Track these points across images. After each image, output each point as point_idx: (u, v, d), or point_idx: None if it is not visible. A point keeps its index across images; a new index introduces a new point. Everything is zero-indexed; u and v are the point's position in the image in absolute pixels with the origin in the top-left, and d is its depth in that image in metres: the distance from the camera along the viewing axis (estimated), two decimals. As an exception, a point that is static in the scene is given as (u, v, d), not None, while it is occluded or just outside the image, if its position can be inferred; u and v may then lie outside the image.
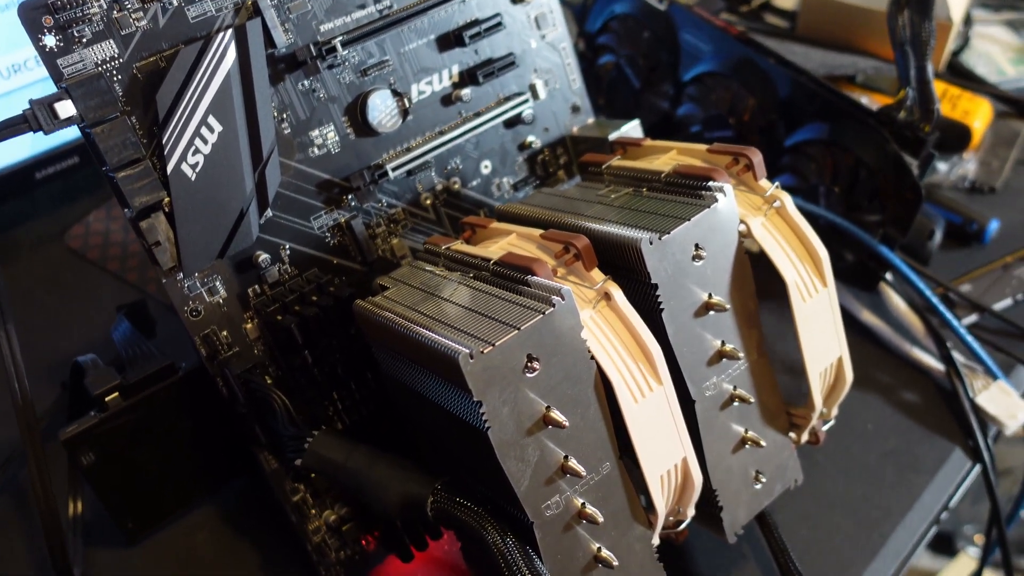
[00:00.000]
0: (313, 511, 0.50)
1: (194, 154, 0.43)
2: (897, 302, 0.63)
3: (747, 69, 0.64)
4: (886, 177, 0.58)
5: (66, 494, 0.54)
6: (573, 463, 0.37)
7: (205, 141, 0.43)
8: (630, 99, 0.73)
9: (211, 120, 0.43)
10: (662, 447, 0.40)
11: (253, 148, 0.45)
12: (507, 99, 0.54)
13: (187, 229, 0.44)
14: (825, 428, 0.47)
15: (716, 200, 0.40)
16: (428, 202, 0.52)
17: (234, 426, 0.48)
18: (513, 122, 0.54)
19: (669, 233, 0.39)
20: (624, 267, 0.40)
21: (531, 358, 0.36)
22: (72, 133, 0.72)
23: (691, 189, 0.42)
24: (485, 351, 0.35)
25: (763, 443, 0.43)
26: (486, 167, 0.54)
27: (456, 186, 0.53)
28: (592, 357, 0.38)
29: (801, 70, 0.62)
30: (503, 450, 0.36)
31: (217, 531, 0.56)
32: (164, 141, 0.43)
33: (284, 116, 0.47)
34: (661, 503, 0.40)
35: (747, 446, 0.44)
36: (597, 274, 0.40)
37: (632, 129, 0.54)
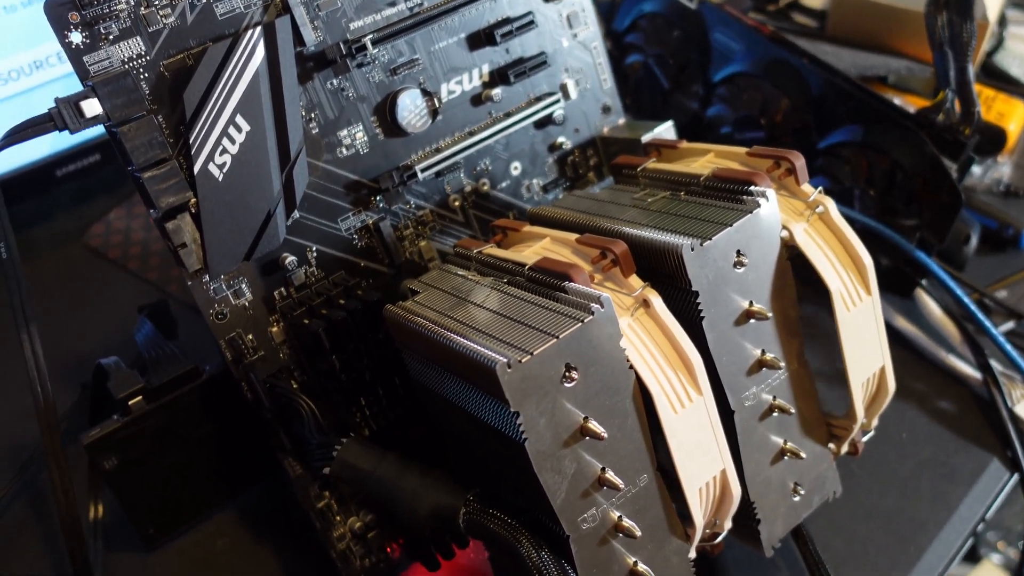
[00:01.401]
0: (338, 518, 0.49)
1: (221, 154, 0.42)
2: (933, 308, 0.61)
3: (780, 69, 0.63)
4: (923, 181, 0.57)
5: (86, 498, 0.53)
6: (611, 475, 0.36)
7: (233, 141, 0.42)
8: (658, 99, 0.72)
9: (239, 119, 0.42)
10: (701, 459, 0.39)
11: (281, 148, 0.44)
12: (538, 99, 0.52)
13: (214, 230, 0.43)
14: (865, 439, 0.46)
15: (758, 205, 0.39)
16: (457, 204, 0.51)
17: (257, 431, 0.47)
18: (544, 123, 0.53)
19: (711, 239, 0.38)
20: (662, 273, 0.39)
21: (569, 368, 0.35)
22: (94, 131, 0.71)
23: (731, 194, 0.41)
24: (523, 360, 0.33)
25: (803, 454, 0.42)
26: (516, 168, 0.53)
27: (485, 187, 0.52)
28: (631, 366, 0.36)
29: (836, 71, 0.61)
30: (540, 462, 0.35)
31: (236, 537, 0.55)
32: (191, 141, 0.42)
33: (312, 116, 0.46)
34: (699, 516, 0.39)
35: (786, 458, 0.43)
36: (635, 280, 0.38)
37: (665, 131, 0.53)
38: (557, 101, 0.53)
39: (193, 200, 0.42)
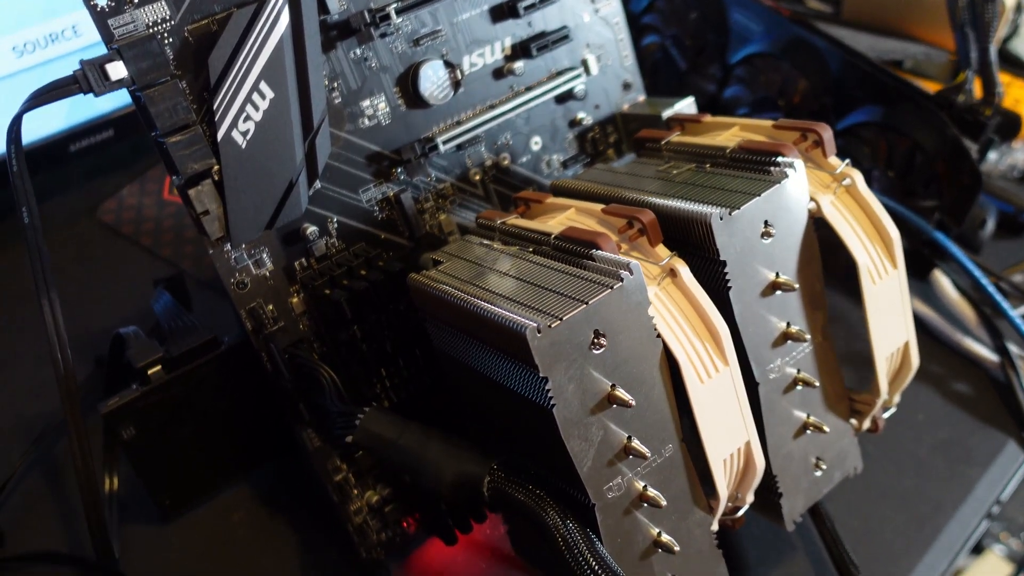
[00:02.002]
0: (355, 491, 0.49)
1: (245, 121, 0.42)
2: (949, 290, 0.61)
3: (799, 50, 0.62)
4: (944, 162, 0.57)
5: (102, 469, 0.53)
6: (637, 444, 0.36)
7: (256, 108, 0.42)
8: (675, 81, 0.72)
9: (263, 86, 0.42)
10: (726, 430, 0.38)
11: (304, 117, 0.44)
12: (559, 74, 0.52)
13: (236, 198, 0.43)
14: (886, 416, 0.46)
15: (786, 176, 0.39)
16: (477, 177, 0.51)
17: (276, 403, 0.47)
18: (564, 98, 0.53)
19: (739, 208, 0.38)
20: (689, 243, 0.39)
21: (598, 334, 0.35)
22: (107, 105, 0.71)
23: (758, 165, 0.40)
24: (553, 325, 0.33)
25: (826, 428, 0.42)
26: (536, 143, 0.53)
27: (506, 162, 0.52)
28: (658, 335, 0.36)
29: (856, 52, 0.61)
30: (567, 429, 0.35)
31: (253, 511, 0.55)
32: (215, 107, 0.41)
33: (335, 85, 0.46)
34: (723, 488, 0.39)
35: (809, 431, 0.42)
36: (662, 250, 0.38)
37: (686, 107, 0.53)
38: (578, 76, 0.52)
39: (216, 167, 0.42)
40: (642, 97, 0.56)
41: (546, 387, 0.34)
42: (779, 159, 0.40)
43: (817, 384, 0.41)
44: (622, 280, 0.35)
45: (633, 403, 0.35)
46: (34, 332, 0.45)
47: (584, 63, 0.53)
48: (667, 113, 0.52)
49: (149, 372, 0.47)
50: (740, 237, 0.38)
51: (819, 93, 0.62)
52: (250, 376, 0.49)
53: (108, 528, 0.49)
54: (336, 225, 0.47)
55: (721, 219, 0.37)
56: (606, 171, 0.46)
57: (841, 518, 0.51)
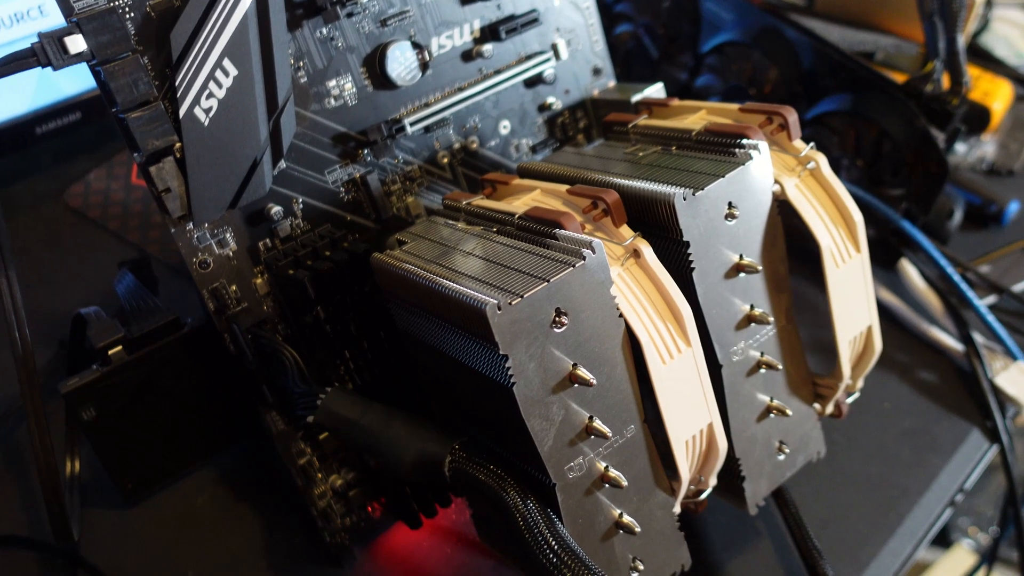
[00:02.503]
0: (319, 475, 0.49)
1: (208, 98, 0.41)
2: (916, 280, 0.61)
3: (771, 39, 0.62)
4: (911, 150, 0.57)
5: (63, 451, 0.53)
6: (598, 424, 0.36)
7: (220, 85, 0.42)
8: (647, 70, 0.72)
9: (226, 63, 0.42)
10: (689, 411, 0.38)
11: (269, 95, 0.43)
12: (528, 58, 0.52)
13: (199, 176, 0.42)
14: (849, 400, 0.46)
15: (750, 158, 0.39)
16: (445, 160, 0.51)
17: (240, 385, 0.46)
18: (533, 81, 0.53)
19: (703, 189, 0.38)
20: (653, 224, 0.39)
21: (560, 312, 0.34)
22: (74, 87, 0.70)
23: (724, 147, 0.40)
24: (513, 303, 0.33)
25: (789, 412, 0.42)
26: (505, 127, 0.53)
27: (474, 145, 0.52)
28: (620, 315, 0.36)
29: (826, 42, 0.61)
30: (527, 408, 0.35)
31: (217, 494, 0.54)
32: (177, 83, 0.41)
33: (301, 64, 0.45)
34: (685, 469, 0.39)
35: (772, 415, 0.43)
36: (626, 230, 0.38)
37: (655, 92, 0.53)
38: (548, 60, 0.52)
39: (178, 144, 0.41)
40: (612, 83, 0.56)
41: (506, 365, 0.34)
42: (744, 141, 0.40)
43: (780, 367, 0.41)
44: (584, 259, 0.35)
45: (594, 382, 0.35)
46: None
47: (554, 47, 0.53)
48: (636, 98, 0.52)
49: (110, 352, 0.46)
50: (704, 218, 0.38)
51: (790, 82, 0.62)
52: (213, 358, 0.48)
53: (68, 511, 0.48)
54: (301, 206, 0.46)
55: (684, 199, 0.37)
56: (574, 154, 0.46)
57: (806, 504, 0.51)
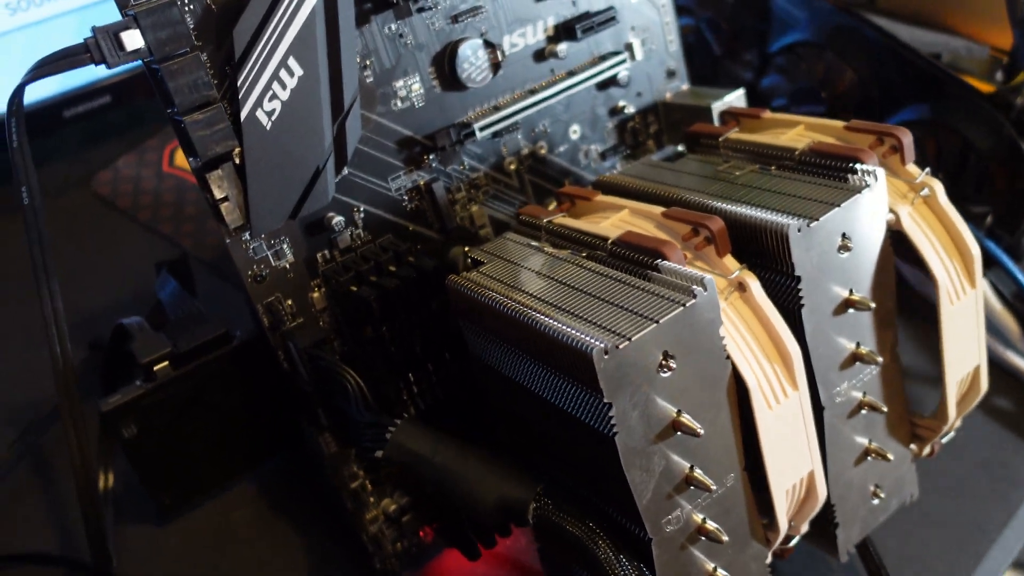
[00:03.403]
0: (372, 499, 0.46)
1: (271, 100, 0.38)
2: (993, 301, 0.58)
3: (847, 39, 0.59)
4: (999, 164, 0.54)
5: (96, 466, 0.50)
6: (700, 474, 0.33)
7: (284, 86, 0.38)
8: (707, 67, 0.68)
9: (291, 62, 0.38)
10: (792, 459, 0.36)
11: (334, 97, 0.40)
12: (602, 58, 0.49)
13: (259, 184, 0.39)
14: (944, 441, 0.43)
15: (867, 185, 0.36)
16: (512, 167, 0.47)
17: (285, 401, 0.43)
18: (606, 84, 0.49)
19: (818, 220, 0.34)
20: (755, 254, 0.36)
21: (667, 356, 0.31)
22: (104, 71, 0.66)
23: (834, 171, 0.37)
24: (621, 346, 0.30)
25: (890, 456, 0.39)
26: (575, 132, 0.49)
27: (543, 151, 0.48)
28: (727, 356, 0.33)
29: (908, 45, 0.57)
30: (628, 459, 0.32)
31: (257, 510, 0.52)
32: (239, 83, 0.37)
33: (368, 63, 0.42)
34: (784, 520, 0.36)
35: (870, 458, 0.40)
36: (731, 262, 0.35)
37: (736, 100, 0.49)
38: (623, 61, 0.49)
39: (238, 149, 0.38)
40: (685, 86, 0.53)
41: (609, 413, 0.31)
42: (858, 166, 0.36)
43: (884, 409, 0.38)
44: (695, 296, 0.31)
45: (701, 432, 0.32)
46: (25, 310, 0.41)
47: (628, 47, 0.50)
48: (717, 105, 0.49)
49: (155, 368, 0.43)
50: (817, 251, 0.35)
51: (866, 86, 0.59)
52: (261, 373, 0.45)
53: (106, 535, 0.45)
54: (363, 215, 0.43)
55: (799, 231, 0.34)
56: (656, 167, 0.43)
57: (880, 539, 0.48)
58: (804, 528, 0.39)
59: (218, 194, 0.38)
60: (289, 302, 0.42)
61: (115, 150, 0.71)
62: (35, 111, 0.65)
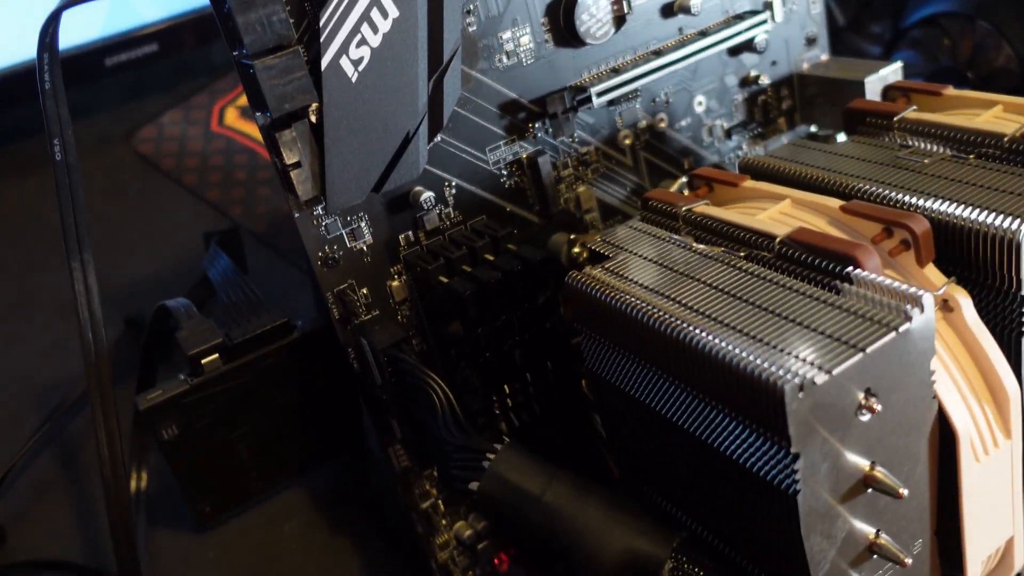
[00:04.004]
0: (444, 522, 0.39)
1: (359, 46, 0.31)
2: None
3: (1005, 8, 0.51)
4: None
5: (128, 466, 0.43)
6: (887, 541, 0.26)
7: (375, 30, 0.31)
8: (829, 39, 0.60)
9: (385, 1, 0.31)
10: (994, 522, 0.28)
11: (432, 47, 0.33)
12: (738, 17, 0.41)
13: (339, 149, 0.32)
14: None
15: (1109, 181, 0.28)
16: (628, 142, 0.40)
17: (351, 404, 0.37)
18: (740, 49, 0.42)
19: (1057, 224, 0.27)
20: (960, 264, 0.28)
21: (869, 394, 0.24)
22: (153, 13, 0.60)
23: (1059, 163, 0.30)
24: (820, 382, 0.23)
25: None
26: (699, 104, 0.42)
27: (662, 124, 0.41)
28: (934, 396, 0.26)
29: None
30: (810, 522, 0.25)
31: (308, 521, 0.45)
32: (321, 24, 0.31)
33: (471, 8, 0.35)
34: (974, 597, 0.29)
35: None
36: (934, 273, 0.28)
37: (893, 74, 0.42)
38: (764, 22, 0.41)
39: (315, 105, 0.31)
40: (825, 56, 0.45)
41: (794, 466, 0.24)
42: (1096, 158, 0.29)
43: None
44: (909, 319, 0.24)
45: (904, 492, 0.25)
46: (55, 277, 0.35)
47: (768, 6, 0.42)
48: (872, 80, 0.41)
49: (203, 361, 0.36)
50: (1050, 264, 0.27)
51: None
52: (324, 370, 0.39)
53: (136, 545, 0.39)
54: (454, 191, 0.36)
55: (1033, 238, 0.27)
56: (814, 150, 0.35)
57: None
58: (984, 600, 0.32)
59: (289, 158, 0.31)
60: (364, 291, 0.35)
61: (160, 105, 0.64)
62: (73, 56, 0.58)
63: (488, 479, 0.30)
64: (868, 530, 0.26)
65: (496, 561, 0.42)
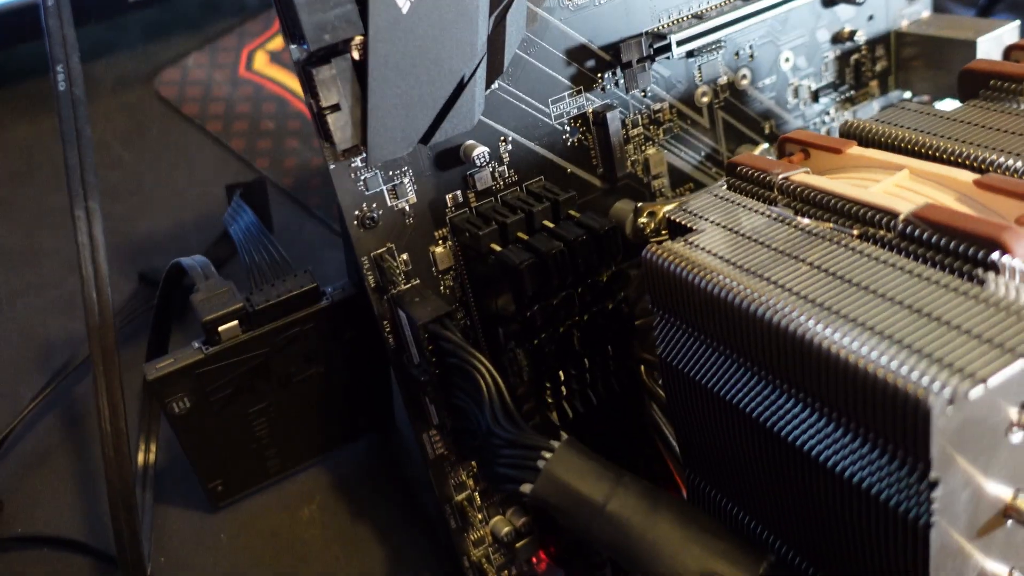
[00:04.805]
0: (479, 516, 0.36)
1: (412, -29, 0.27)
2: None
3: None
4: None
5: (135, 435, 0.40)
6: (1023, 584, 0.22)
7: (431, -48, 0.27)
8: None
9: (446, -81, 0.27)
10: None
11: (496, -23, 0.28)
12: (837, -38, 0.36)
13: (384, 91, 0.28)
14: None
15: None
16: (706, 100, 0.36)
17: (382, 382, 0.33)
18: (836, -1, 0.37)
19: None
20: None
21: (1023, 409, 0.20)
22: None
23: None
24: (972, 394, 0.18)
25: None
26: (787, 61, 0.37)
27: (744, 82, 0.36)
28: (1090, 411, 0.21)
29: None
30: (941, 560, 0.20)
31: (328, 506, 0.42)
32: (370, -58, 0.26)
33: (541, -66, 0.30)
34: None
35: None
36: (1090, 264, 0.23)
37: (1009, 34, 0.37)
38: (866, -32, 0.36)
39: (360, 39, 0.27)
40: (927, 12, 0.40)
41: (932, 494, 0.19)
42: None
43: None
44: (1079, 320, 0.20)
45: (1057, 529, 0.21)
46: (67, 227, 0.31)
47: (869, -48, 0.37)
48: (985, 40, 0.36)
49: (220, 328, 0.32)
50: None
51: None
52: (353, 341, 0.35)
53: (141, 522, 0.35)
54: (510, 147, 0.32)
55: None
56: (928, 116, 0.31)
57: None
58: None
59: (326, 100, 0.27)
60: (404, 256, 0.31)
61: (184, 46, 0.60)
62: (93, -10, 0.54)
63: (543, 481, 0.26)
64: (1001, 569, 0.22)
65: (534, 560, 0.38)
